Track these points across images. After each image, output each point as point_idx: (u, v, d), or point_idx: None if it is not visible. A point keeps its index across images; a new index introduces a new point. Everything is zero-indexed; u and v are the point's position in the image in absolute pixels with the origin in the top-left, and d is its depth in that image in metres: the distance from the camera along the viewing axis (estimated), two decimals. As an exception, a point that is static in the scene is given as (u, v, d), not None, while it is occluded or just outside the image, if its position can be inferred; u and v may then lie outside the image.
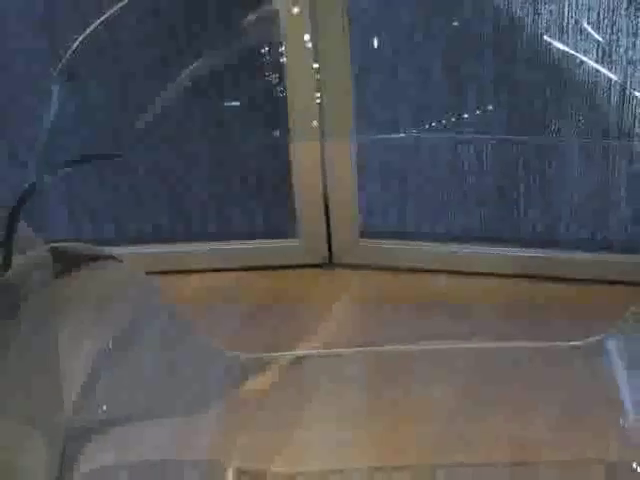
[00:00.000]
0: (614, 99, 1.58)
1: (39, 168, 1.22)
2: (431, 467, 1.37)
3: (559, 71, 1.46)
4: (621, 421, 1.39)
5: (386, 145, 1.72)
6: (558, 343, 1.51)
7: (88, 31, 1.28)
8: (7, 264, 1.19)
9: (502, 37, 1.59)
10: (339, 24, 1.53)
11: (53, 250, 1.28)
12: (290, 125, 1.49)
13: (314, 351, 1.59)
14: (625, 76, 1.58)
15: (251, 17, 1.37)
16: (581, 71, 1.49)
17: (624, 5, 1.55)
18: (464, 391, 1.49)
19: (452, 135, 1.58)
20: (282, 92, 1.40)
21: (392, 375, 1.53)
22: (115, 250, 1.41)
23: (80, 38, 1.28)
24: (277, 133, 1.52)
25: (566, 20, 1.57)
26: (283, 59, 1.37)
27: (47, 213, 1.62)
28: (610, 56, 1.57)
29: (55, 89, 1.29)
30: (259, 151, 1.71)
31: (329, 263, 1.80)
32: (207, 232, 1.82)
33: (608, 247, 1.72)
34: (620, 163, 1.67)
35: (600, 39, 1.58)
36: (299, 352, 1.59)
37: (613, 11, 1.55)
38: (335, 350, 1.58)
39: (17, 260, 1.20)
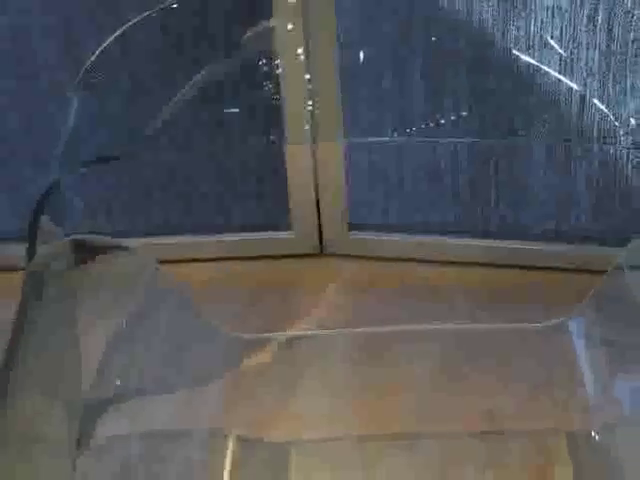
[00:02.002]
0: (574, 106, 1.58)
1: (60, 168, 1.22)
2: (411, 435, 1.37)
3: (526, 81, 1.48)
4: (581, 394, 1.40)
5: (371, 147, 1.72)
6: (525, 324, 1.51)
7: (104, 46, 1.29)
8: (31, 254, 1.20)
9: (475, 51, 1.57)
10: (329, 39, 1.54)
11: (72, 241, 1.29)
12: (285, 129, 1.50)
13: (307, 331, 1.59)
14: (584, 86, 1.58)
15: (250, 33, 1.38)
16: (545, 81, 1.49)
17: (584, 22, 1.54)
18: (441, 367, 1.50)
19: (430, 138, 1.56)
20: (277, 100, 1.40)
21: (376, 353, 1.53)
22: (127, 241, 1.42)
23: (97, 52, 1.29)
24: (273, 136, 1.52)
25: (532, 35, 1.56)
26: (278, 70, 1.37)
27: (67, 208, 1.59)
28: (571, 68, 1.57)
29: (74, 98, 1.29)
30: (257, 153, 1.72)
31: (320, 253, 1.80)
32: (211, 225, 1.82)
33: (569, 239, 1.72)
34: (580, 163, 1.66)
35: (562, 52, 1.58)
36: (293, 332, 1.58)
37: (574, 28, 1.55)
38: (326, 331, 1.58)
39: (40, 250, 1.21)
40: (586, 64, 1.56)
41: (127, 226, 1.79)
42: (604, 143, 1.62)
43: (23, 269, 1.19)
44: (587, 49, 1.55)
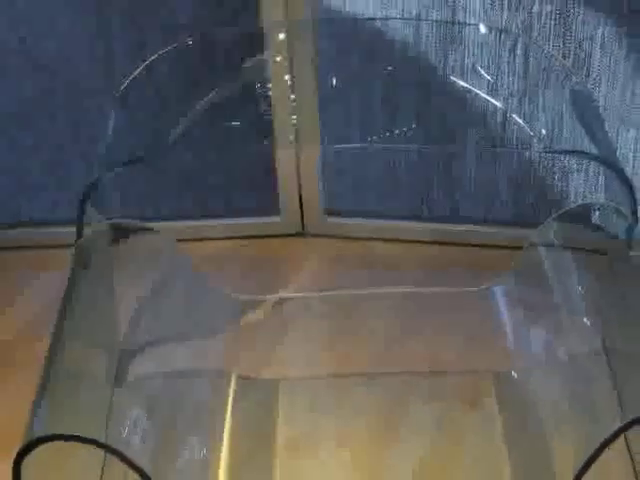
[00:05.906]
0: (498, 120, 1.62)
1: (101, 167, 1.27)
2: (372, 375, 1.43)
3: (461, 101, 1.54)
4: (504, 343, 1.45)
5: (342, 152, 1.76)
6: (460, 289, 1.56)
7: (136, 72, 1.36)
8: (79, 235, 1.26)
9: (421, 77, 1.63)
10: (309, 68, 1.58)
11: (111, 224, 1.34)
12: (275, 137, 1.54)
13: (292, 294, 1.63)
14: (506, 104, 1.62)
15: (248, 64, 1.44)
16: (476, 101, 1.54)
17: (506, 54, 1.59)
18: (394, 321, 1.55)
19: (388, 145, 1.63)
20: (269, 115, 1.46)
21: (347, 310, 1.57)
22: (153, 224, 1.45)
23: (131, 77, 1.36)
24: (266, 143, 1.53)
25: (465, 65, 1.59)
26: (270, 93, 1.45)
27: (106, 199, 1.63)
28: (496, 90, 1.60)
29: (113, 112, 1.35)
30: (253, 155, 1.74)
31: (302, 233, 1.82)
32: (216, 211, 1.84)
33: (495, 222, 1.76)
34: (503, 164, 1.71)
35: (489, 78, 1.61)
36: (282, 295, 1.62)
37: (498, 58, 1.59)
38: (307, 294, 1.63)
39: (86, 232, 1.27)
40: (507, 87, 1.60)
41: (152, 212, 1.81)
42: (522, 149, 1.64)
43: (73, 246, 1.25)
44: (508, 75, 1.59)
